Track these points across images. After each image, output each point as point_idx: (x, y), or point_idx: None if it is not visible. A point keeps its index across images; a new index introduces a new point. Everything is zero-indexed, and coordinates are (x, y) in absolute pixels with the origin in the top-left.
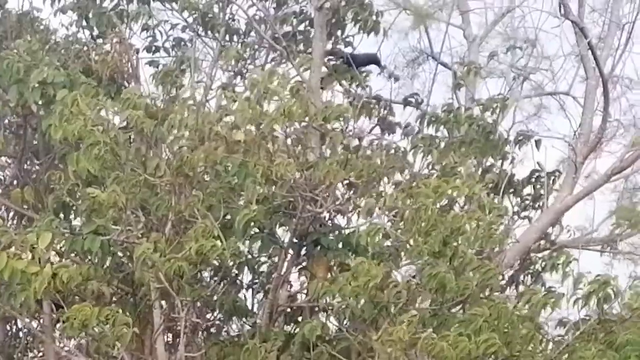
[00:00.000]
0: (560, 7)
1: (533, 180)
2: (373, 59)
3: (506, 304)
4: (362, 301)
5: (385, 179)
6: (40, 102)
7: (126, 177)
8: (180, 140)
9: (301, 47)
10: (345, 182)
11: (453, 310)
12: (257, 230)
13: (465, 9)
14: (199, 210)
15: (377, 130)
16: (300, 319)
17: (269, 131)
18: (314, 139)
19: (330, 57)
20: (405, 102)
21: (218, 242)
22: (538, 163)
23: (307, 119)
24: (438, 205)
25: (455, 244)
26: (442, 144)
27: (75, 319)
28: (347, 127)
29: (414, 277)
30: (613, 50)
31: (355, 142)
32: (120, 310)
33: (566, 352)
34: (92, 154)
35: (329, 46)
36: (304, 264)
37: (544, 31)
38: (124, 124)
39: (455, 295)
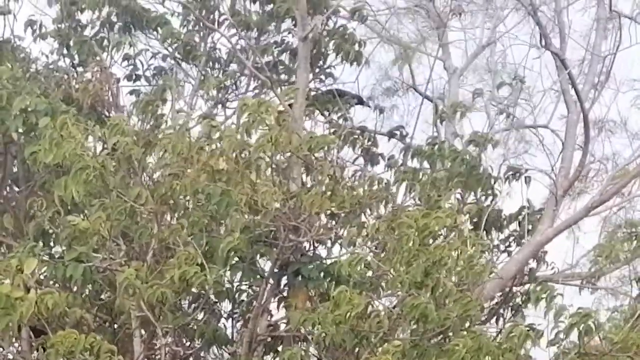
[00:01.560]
0: (541, 38)
1: (520, 216)
2: (359, 100)
3: (487, 335)
4: (343, 330)
5: (368, 210)
6: (21, 130)
7: (112, 204)
8: (163, 167)
9: (282, 77)
10: (328, 212)
11: (433, 341)
12: (237, 259)
13: (445, 41)
14: (181, 238)
15: (360, 160)
16: (280, 348)
17: (254, 160)
18: (296, 168)
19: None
20: (390, 135)
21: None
22: (528, 200)
23: (291, 148)
24: (420, 236)
25: (436, 275)
26: (425, 178)
27: (60, 346)
28: (331, 158)
29: (394, 307)
30: (594, 85)
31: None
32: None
33: None
34: (80, 179)
35: (310, 76)
36: (284, 293)
37: (527, 68)
38: (108, 151)
39: (436, 326)
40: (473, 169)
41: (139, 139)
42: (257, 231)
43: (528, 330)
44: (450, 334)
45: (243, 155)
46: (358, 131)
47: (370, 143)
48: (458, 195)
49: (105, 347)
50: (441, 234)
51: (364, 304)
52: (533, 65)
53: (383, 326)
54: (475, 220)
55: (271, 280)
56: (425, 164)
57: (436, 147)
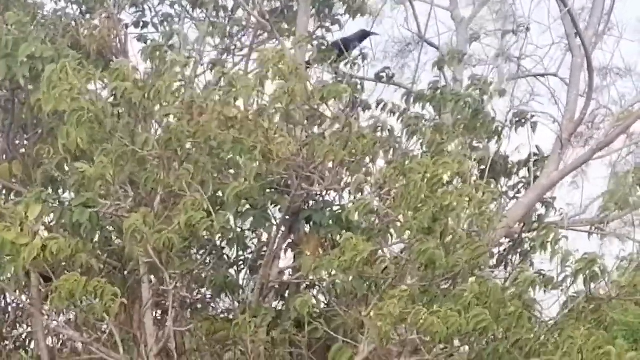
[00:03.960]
0: None
1: (530, 163)
2: (363, 36)
3: (495, 281)
4: (351, 276)
5: (377, 157)
6: (28, 77)
7: (114, 149)
8: (167, 112)
9: (285, 25)
10: (338, 160)
11: (442, 287)
12: (249, 207)
13: None
14: (189, 185)
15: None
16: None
17: (269, 109)
18: (306, 118)
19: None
20: (377, 78)
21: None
22: (537, 147)
23: (304, 98)
24: (428, 183)
25: (444, 220)
26: (430, 124)
27: (63, 289)
28: (343, 107)
29: (401, 252)
30: (596, 31)
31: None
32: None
33: (555, 331)
34: (77, 123)
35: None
36: (294, 240)
37: (536, 22)
38: (112, 97)
39: (444, 272)
40: (477, 113)
41: (144, 85)
42: (269, 179)
43: (536, 276)
44: (459, 280)
45: (256, 104)
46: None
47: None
48: (463, 141)
49: (109, 290)
50: (449, 181)
51: (369, 250)
52: (542, 18)
53: (390, 272)
54: (482, 167)
55: (282, 228)
56: (429, 109)
57: (438, 91)
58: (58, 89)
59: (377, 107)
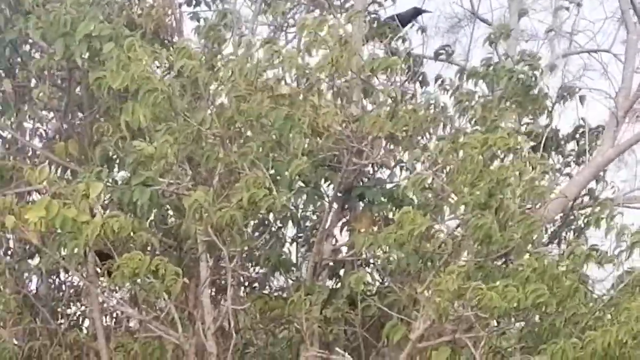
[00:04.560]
0: None
1: (577, 136)
2: (415, 13)
3: (550, 257)
4: (407, 251)
5: (428, 134)
6: (85, 56)
7: (178, 128)
8: (229, 91)
9: (338, 2)
10: (389, 135)
11: (497, 263)
12: (302, 184)
13: None
14: (248, 162)
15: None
16: (342, 273)
17: (315, 82)
18: (356, 91)
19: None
20: (437, 55)
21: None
22: (582, 119)
23: (353, 70)
24: (483, 157)
25: (500, 195)
26: (482, 100)
27: (126, 267)
28: (393, 80)
29: (456, 228)
30: None
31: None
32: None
33: (611, 305)
34: (149, 102)
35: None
36: (347, 217)
37: None
38: (174, 74)
39: (499, 247)
40: (528, 89)
41: (204, 63)
42: (320, 155)
43: (591, 251)
44: (513, 255)
45: (304, 78)
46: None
47: (415, 66)
48: (515, 117)
49: (170, 269)
50: (503, 156)
51: (427, 224)
52: None
53: (447, 247)
54: (534, 142)
55: (335, 205)
56: (482, 86)
57: (491, 67)
58: (128, 67)
59: (435, 83)
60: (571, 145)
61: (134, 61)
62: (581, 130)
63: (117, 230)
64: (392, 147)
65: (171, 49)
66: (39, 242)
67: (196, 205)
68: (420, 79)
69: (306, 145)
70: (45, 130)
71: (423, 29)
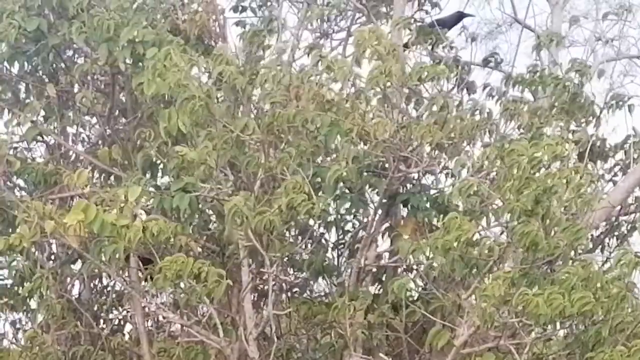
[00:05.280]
0: None
1: (627, 145)
2: (459, 17)
3: (595, 265)
4: (453, 258)
5: (473, 141)
6: (129, 61)
7: (218, 134)
8: (271, 97)
9: (384, 9)
10: (435, 142)
11: (542, 270)
12: (346, 190)
13: None
14: (289, 168)
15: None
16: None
17: (367, 90)
18: (404, 99)
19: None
20: (485, 63)
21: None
22: (633, 128)
23: (402, 79)
24: (530, 164)
25: (547, 203)
26: (527, 107)
27: (169, 270)
28: (440, 88)
29: (501, 234)
30: None
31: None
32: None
33: None
34: (187, 109)
35: (415, 6)
36: (390, 224)
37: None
38: (213, 81)
39: (545, 255)
40: (575, 97)
41: (245, 69)
42: (366, 161)
43: (637, 258)
44: (559, 262)
45: (353, 86)
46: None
47: (463, 73)
48: (562, 124)
49: (213, 272)
50: (549, 163)
51: (473, 230)
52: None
53: (493, 253)
54: (580, 150)
55: (379, 211)
56: (527, 93)
57: (537, 74)
58: (165, 75)
59: (483, 90)
60: (620, 154)
61: (170, 68)
62: (631, 140)
63: (157, 234)
64: (437, 153)
65: (212, 54)
66: (79, 247)
67: (235, 210)
68: (467, 86)
69: (353, 151)
70: (88, 136)
71: (473, 38)
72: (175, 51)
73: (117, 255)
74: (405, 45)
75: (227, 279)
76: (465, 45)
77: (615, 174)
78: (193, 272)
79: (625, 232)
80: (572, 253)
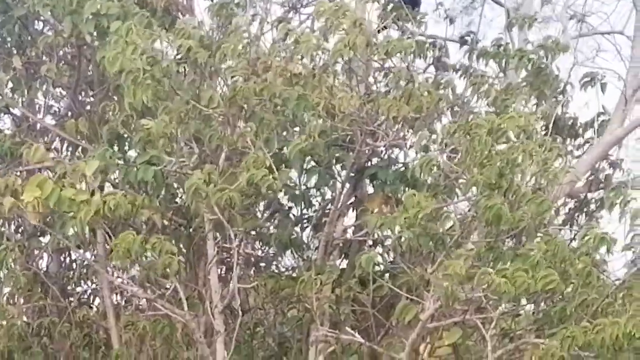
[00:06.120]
0: None
1: (596, 123)
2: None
3: (562, 240)
4: (416, 233)
5: (441, 115)
6: (94, 34)
7: (176, 107)
8: (235, 71)
9: None
10: (401, 116)
11: (507, 244)
12: (313, 164)
13: None
14: (253, 142)
15: (432, 70)
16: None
17: (331, 64)
18: (368, 73)
19: None
20: (462, 41)
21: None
22: (603, 106)
23: (368, 52)
24: (494, 137)
25: (510, 176)
26: (494, 82)
27: (121, 247)
28: (407, 63)
29: (469, 210)
30: None
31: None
32: (173, 241)
33: (623, 290)
34: (131, 82)
35: None
36: (359, 198)
37: None
38: (179, 55)
39: (510, 228)
40: (540, 71)
41: (210, 43)
42: (333, 135)
43: (605, 234)
44: (524, 237)
45: (319, 59)
46: (429, 40)
47: (441, 52)
48: (528, 99)
49: (168, 248)
50: (514, 138)
51: (432, 206)
52: None
53: (456, 228)
54: (548, 126)
55: (347, 185)
56: (493, 67)
57: (501, 48)
58: (119, 50)
59: (456, 72)
60: (590, 133)
61: (132, 43)
62: (601, 118)
63: (114, 209)
64: (404, 127)
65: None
66: (38, 223)
67: (195, 187)
68: (439, 65)
69: (320, 125)
70: (58, 108)
71: (451, 19)
72: (138, 26)
73: (80, 230)
74: (384, 27)
75: (193, 252)
76: (438, 20)
77: (584, 151)
78: (146, 247)
79: (594, 208)
80: (538, 227)
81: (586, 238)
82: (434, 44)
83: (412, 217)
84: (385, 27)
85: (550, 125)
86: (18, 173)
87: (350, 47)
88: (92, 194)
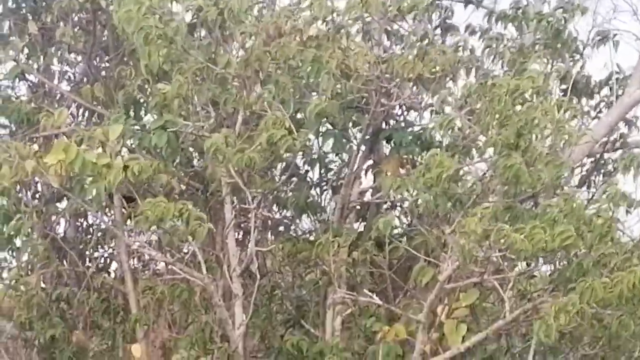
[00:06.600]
0: None
1: (611, 82)
2: None
3: (579, 199)
4: (436, 194)
5: (457, 76)
6: None
7: (190, 68)
8: (249, 33)
9: None
10: (417, 77)
11: (525, 204)
12: (329, 127)
13: None
14: (269, 104)
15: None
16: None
17: (343, 24)
18: (382, 33)
19: None
20: (466, 2)
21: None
22: (617, 65)
23: (381, 10)
24: (511, 98)
25: (529, 136)
26: (511, 44)
27: (150, 213)
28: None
29: (486, 170)
30: None
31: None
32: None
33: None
34: (143, 41)
35: None
36: (374, 160)
37: None
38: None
39: (528, 188)
40: (558, 33)
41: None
42: (348, 97)
43: (623, 192)
44: (542, 197)
45: (332, 21)
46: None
47: (446, 14)
48: (545, 60)
49: (194, 214)
50: (532, 98)
51: (454, 166)
52: None
53: (476, 188)
54: (564, 86)
55: (362, 147)
56: (511, 29)
57: (520, 10)
58: (126, 9)
59: (465, 31)
60: (605, 91)
61: (133, 2)
62: (615, 76)
63: (138, 174)
64: (419, 88)
65: None
66: (60, 186)
67: (215, 147)
68: (448, 27)
69: (335, 87)
70: (73, 74)
71: None
72: None
73: (99, 194)
74: None
75: (211, 217)
76: None
77: (600, 111)
78: (174, 214)
79: (612, 170)
80: (556, 187)
81: (606, 195)
82: (439, 5)
83: (435, 178)
84: None
85: (569, 87)
86: (34, 139)
87: (363, 4)
88: (115, 158)
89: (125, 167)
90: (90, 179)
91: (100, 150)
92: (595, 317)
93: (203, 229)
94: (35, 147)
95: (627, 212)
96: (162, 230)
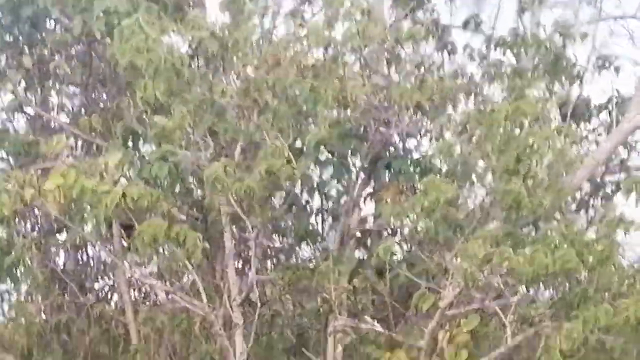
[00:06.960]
0: None
1: (610, 106)
2: None
3: (579, 225)
4: (435, 219)
5: (456, 102)
6: (104, 31)
7: (192, 99)
8: (248, 64)
9: None
10: (415, 105)
11: (525, 229)
12: (329, 156)
13: None
14: (269, 134)
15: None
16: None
17: (341, 54)
18: (382, 62)
19: None
20: (465, 24)
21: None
22: (617, 90)
23: (378, 40)
24: (511, 124)
25: (528, 162)
26: (510, 70)
27: (146, 234)
28: (419, 50)
29: (486, 195)
30: None
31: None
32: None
33: None
34: (153, 73)
35: None
36: (374, 188)
37: None
38: (189, 49)
39: (528, 214)
40: (558, 58)
41: (222, 36)
42: (347, 126)
43: (622, 216)
44: (542, 222)
45: (330, 50)
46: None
47: (444, 33)
48: (544, 86)
49: (191, 236)
50: (531, 124)
51: (452, 191)
52: None
53: (476, 213)
54: (564, 112)
55: (362, 175)
56: (509, 55)
57: (519, 37)
58: (132, 41)
59: (463, 52)
60: (603, 115)
61: (139, 33)
62: (615, 100)
63: (137, 199)
64: (419, 116)
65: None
66: (59, 214)
67: (214, 177)
68: (448, 48)
69: (332, 116)
70: (71, 106)
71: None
72: (146, 17)
73: (99, 222)
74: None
75: (210, 246)
76: (450, 9)
77: (599, 134)
78: (170, 235)
79: (610, 192)
80: (556, 213)
81: (604, 220)
82: (437, 24)
83: (433, 202)
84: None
85: (569, 112)
86: (33, 171)
87: (360, 35)
88: (114, 184)
89: (124, 194)
90: (89, 207)
91: (99, 177)
92: (598, 342)
93: (198, 250)
94: (34, 175)
95: (626, 234)
96: (161, 257)
